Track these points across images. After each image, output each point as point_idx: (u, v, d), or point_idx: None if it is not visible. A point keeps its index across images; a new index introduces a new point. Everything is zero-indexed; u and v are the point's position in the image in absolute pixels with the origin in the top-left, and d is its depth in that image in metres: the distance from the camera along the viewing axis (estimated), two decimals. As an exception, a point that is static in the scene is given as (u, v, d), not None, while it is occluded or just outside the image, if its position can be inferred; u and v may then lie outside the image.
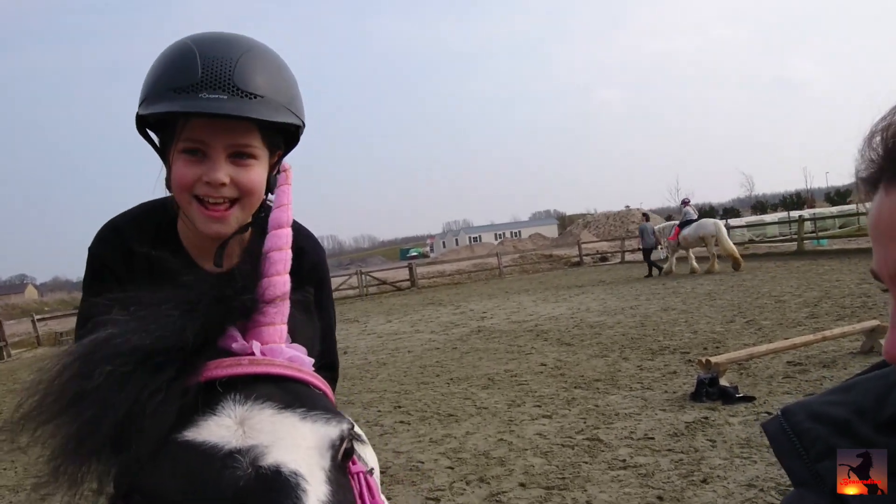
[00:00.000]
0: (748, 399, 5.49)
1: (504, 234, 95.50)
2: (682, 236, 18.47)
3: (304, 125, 1.35)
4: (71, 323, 27.72)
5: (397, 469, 4.93)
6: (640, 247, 20.22)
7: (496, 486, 4.37)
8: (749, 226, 32.66)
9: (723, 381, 5.69)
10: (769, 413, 5.09)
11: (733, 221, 35.10)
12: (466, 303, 17.99)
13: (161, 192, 1.38)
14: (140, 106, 1.24)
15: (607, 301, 14.08)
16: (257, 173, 1.27)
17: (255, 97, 1.22)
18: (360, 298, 24.90)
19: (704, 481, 4.01)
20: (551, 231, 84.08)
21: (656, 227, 20.11)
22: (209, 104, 1.17)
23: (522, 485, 4.35)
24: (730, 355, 6.08)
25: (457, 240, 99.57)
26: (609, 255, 30.82)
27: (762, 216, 46.98)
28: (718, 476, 4.05)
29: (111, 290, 1.36)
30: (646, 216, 21.89)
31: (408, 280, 27.37)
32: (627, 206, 60.54)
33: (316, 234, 1.62)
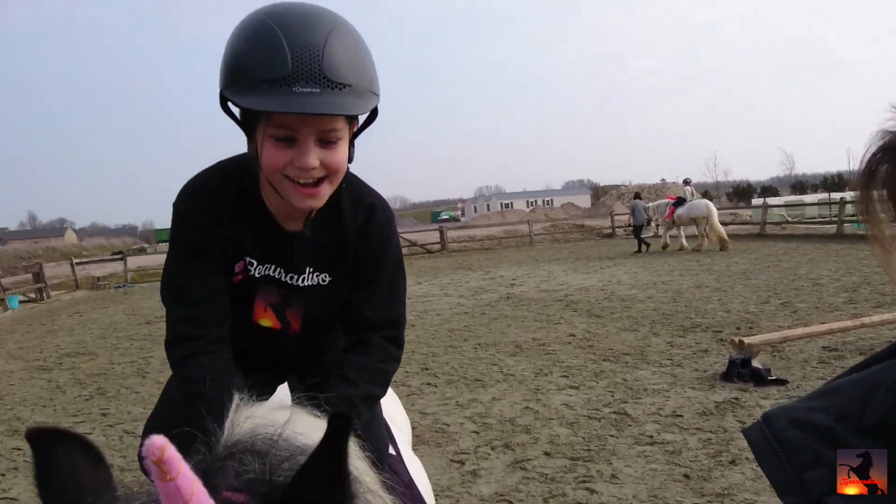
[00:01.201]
0: (781, 382, 5.41)
1: (536, 201, 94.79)
2: (676, 215, 19.48)
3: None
4: (108, 268, 28.38)
5: (423, 430, 4.98)
6: (631, 223, 21.15)
7: (521, 454, 4.39)
8: (787, 205, 31.91)
9: (755, 363, 5.61)
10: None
11: (771, 200, 34.42)
12: (496, 269, 17.97)
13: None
14: (226, 89, 1.26)
15: (639, 274, 13.94)
16: (342, 153, 1.33)
17: (344, 87, 1.23)
18: (390, 259, 24.97)
19: (733, 462, 3.98)
20: (584, 201, 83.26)
21: (649, 206, 21.31)
22: (305, 102, 1.19)
23: (547, 454, 4.36)
24: (764, 337, 5.99)
25: (488, 205, 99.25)
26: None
27: (801, 196, 45.93)
28: (747, 458, 4.01)
29: (198, 247, 1.41)
30: (637, 195, 22.72)
31: (438, 243, 27.42)
32: (663, 179, 59.41)
33: None
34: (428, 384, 6.32)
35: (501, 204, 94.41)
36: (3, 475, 4.78)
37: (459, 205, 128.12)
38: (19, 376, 8.48)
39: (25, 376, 8.44)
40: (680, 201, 19.68)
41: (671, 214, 19.65)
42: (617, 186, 73.14)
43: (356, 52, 1.28)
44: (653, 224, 21.09)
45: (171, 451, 0.55)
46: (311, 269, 1.51)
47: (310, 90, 1.19)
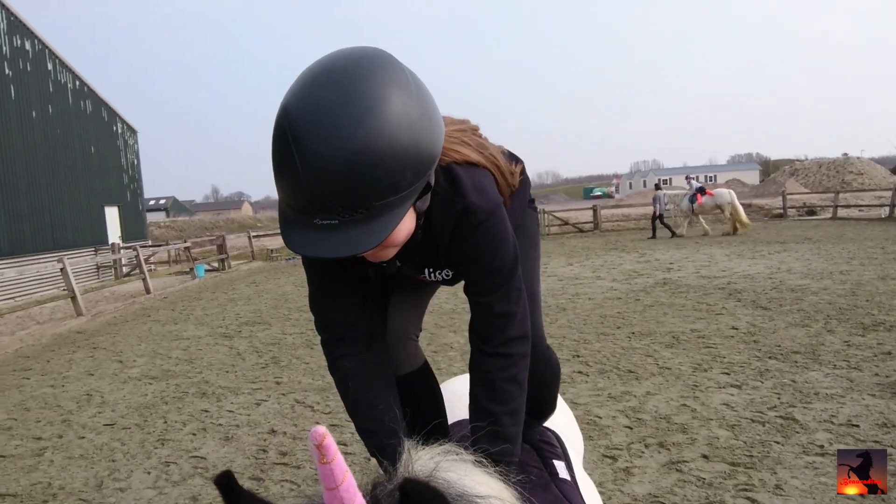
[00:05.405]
0: (982, 396, 4.82)
1: (697, 177, 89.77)
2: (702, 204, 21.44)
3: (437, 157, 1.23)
4: (279, 240, 30.68)
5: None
6: (655, 213, 22.59)
7: (677, 454, 4.28)
8: None
9: (951, 372, 5.04)
10: None
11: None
12: (651, 251, 17.36)
13: None
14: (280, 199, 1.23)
15: (813, 262, 12.88)
16: (398, 231, 1.24)
17: (368, 209, 1.13)
18: (543, 238, 24.87)
19: (918, 484, 3.63)
20: (752, 177, 77.68)
21: (668, 194, 23.28)
22: (320, 242, 1.14)
23: (705, 456, 4.21)
24: (963, 343, 5.34)
25: (644, 181, 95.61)
26: (818, 209, 27.93)
27: None
28: (936, 481, 3.64)
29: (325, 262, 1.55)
30: (657, 186, 23.89)
31: (591, 222, 26.89)
32: (845, 154, 53.81)
33: None
34: (579, 372, 6.29)
35: (659, 180, 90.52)
36: (193, 435, 5.40)
37: (614, 180, 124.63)
38: (206, 342, 9.47)
39: (211, 342, 9.41)
40: (702, 191, 21.79)
41: (700, 202, 21.55)
42: (791, 161, 67.22)
43: (384, 155, 1.10)
44: (671, 212, 22.63)
45: (330, 440, 0.68)
46: (431, 270, 1.56)
47: (328, 222, 1.13)
